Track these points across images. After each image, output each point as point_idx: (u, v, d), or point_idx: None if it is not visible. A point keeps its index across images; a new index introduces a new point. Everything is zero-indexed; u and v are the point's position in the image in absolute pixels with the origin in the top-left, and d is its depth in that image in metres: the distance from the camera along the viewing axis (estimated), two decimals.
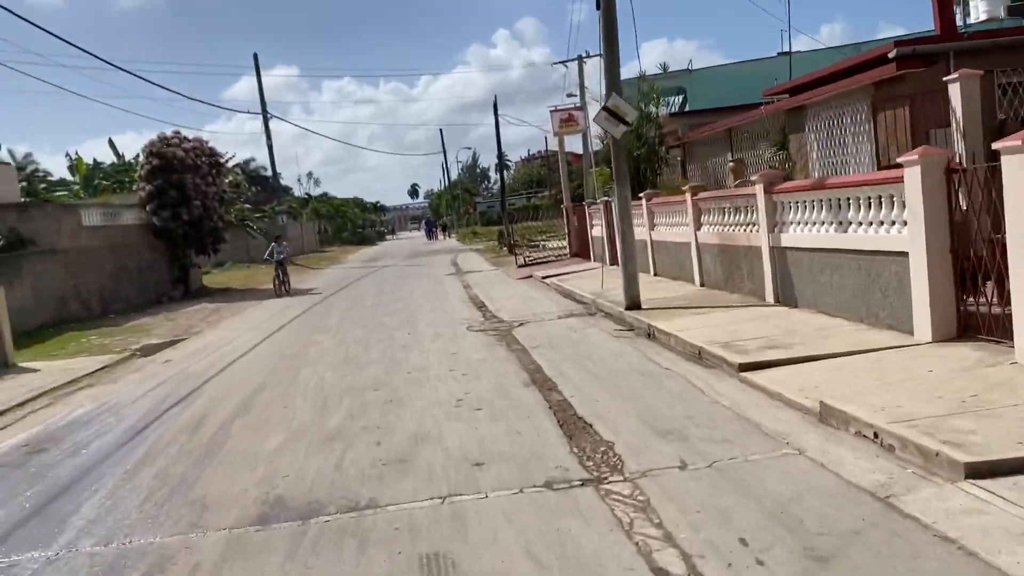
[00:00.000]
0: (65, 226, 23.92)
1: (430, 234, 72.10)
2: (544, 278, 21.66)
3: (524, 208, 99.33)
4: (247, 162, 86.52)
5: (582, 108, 24.60)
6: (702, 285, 14.54)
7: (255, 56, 43.44)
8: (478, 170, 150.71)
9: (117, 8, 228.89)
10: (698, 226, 14.47)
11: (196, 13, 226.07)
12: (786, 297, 11.39)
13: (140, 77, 66.98)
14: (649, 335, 11.32)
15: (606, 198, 22.04)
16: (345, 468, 6.62)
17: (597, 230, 23.07)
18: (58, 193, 43.56)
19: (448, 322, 15.26)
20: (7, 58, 67.59)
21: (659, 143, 22.75)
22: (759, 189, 11.72)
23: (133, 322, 21.60)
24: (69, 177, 48.21)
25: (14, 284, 21.03)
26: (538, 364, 10.08)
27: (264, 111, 43.96)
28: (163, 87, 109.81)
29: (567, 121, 24.46)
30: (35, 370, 14.33)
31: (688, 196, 14.60)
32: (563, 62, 53.95)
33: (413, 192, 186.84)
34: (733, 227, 12.94)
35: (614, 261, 21.17)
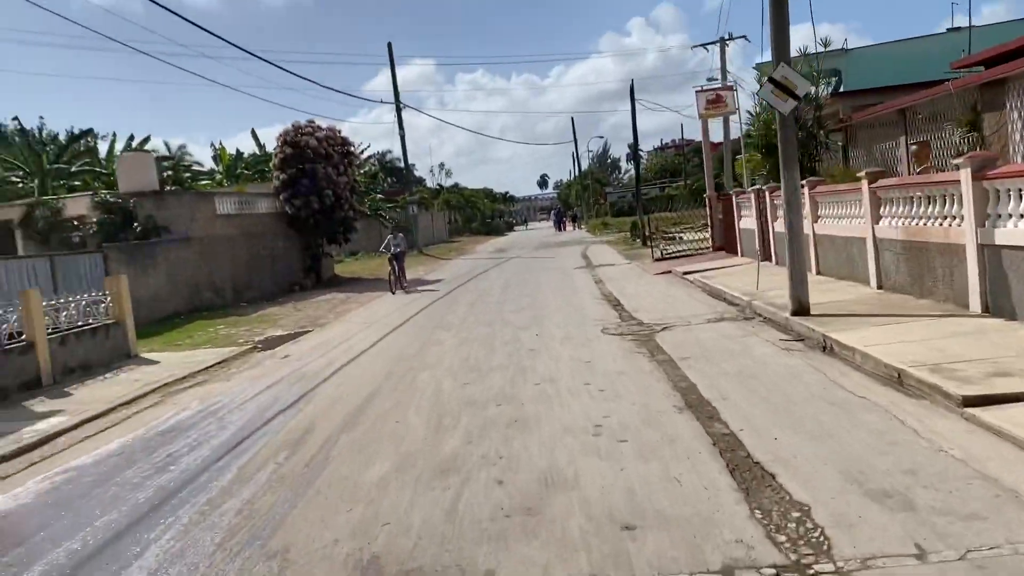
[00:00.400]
0: (199, 214, 24.04)
1: (559, 225, 70.73)
2: (685, 274, 19.83)
3: (657, 198, 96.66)
4: (383, 154, 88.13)
5: (731, 88, 22.53)
6: (879, 287, 12.42)
7: (389, 45, 43.31)
8: (608, 160, 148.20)
9: (265, 6, 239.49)
10: (876, 219, 12.36)
11: (338, 10, 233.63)
12: (999, 307, 9.25)
13: (278, 66, 69.05)
14: (824, 348, 9.47)
15: (757, 186, 19.97)
16: (459, 516, 5.30)
17: (746, 222, 21.00)
18: (202, 182, 45.17)
19: (579, 322, 13.81)
20: (168, 55, 71.41)
21: (818, 127, 20.39)
22: (965, 175, 9.60)
23: (262, 311, 21.35)
24: (216, 168, 50.04)
25: (148, 271, 21.17)
26: (691, 382, 8.47)
27: (397, 101, 43.80)
28: (299, 76, 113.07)
29: (714, 102, 22.44)
30: (155, 362, 13.93)
31: (864, 184, 12.51)
32: (704, 45, 51.37)
33: (542, 183, 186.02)
34: (924, 220, 10.82)
35: (767, 257, 19.11)
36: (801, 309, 11.01)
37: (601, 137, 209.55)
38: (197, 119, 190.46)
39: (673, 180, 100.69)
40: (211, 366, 13.08)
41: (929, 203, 10.75)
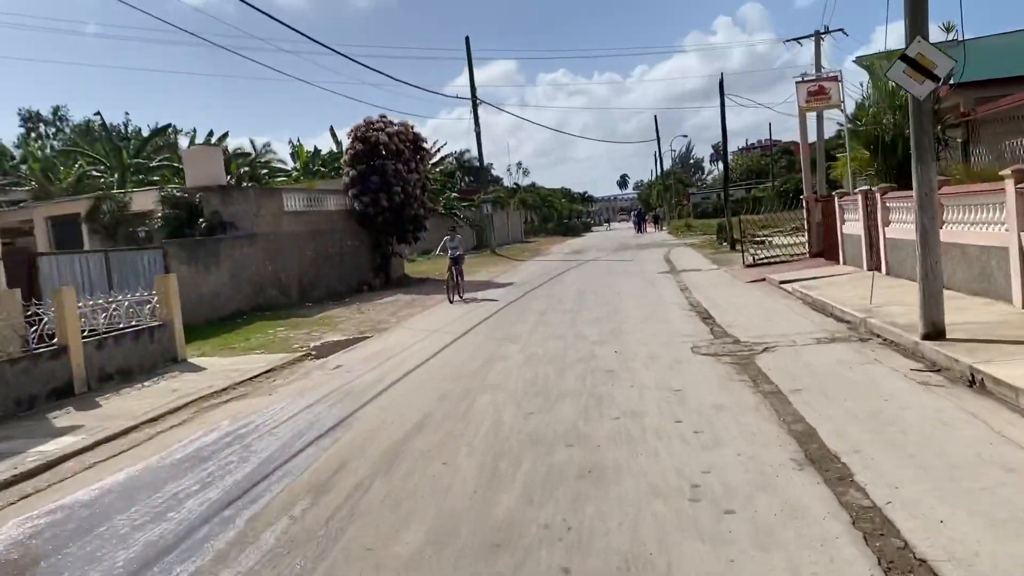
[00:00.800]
0: (266, 210, 23.25)
1: (639, 226, 68.47)
2: (783, 283, 17.91)
3: (743, 200, 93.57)
4: (461, 153, 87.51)
5: (835, 78, 20.39)
6: None
7: (466, 40, 42.17)
8: (692, 160, 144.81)
9: (351, 6, 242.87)
10: None
11: (422, 11, 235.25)
12: None
13: (352, 59, 68.57)
14: (972, 383, 7.65)
15: (865, 187, 17.90)
16: None
17: (851, 226, 18.92)
18: (279, 179, 45.01)
19: (665, 339, 12.18)
20: (251, 49, 72.18)
21: (936, 121, 18.16)
22: None
23: (326, 312, 20.37)
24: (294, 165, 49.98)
25: (211, 268, 20.42)
26: (809, 424, 6.80)
27: (473, 96, 42.63)
28: (375, 70, 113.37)
29: (816, 94, 20.33)
30: (200, 368, 12.92)
31: (1009, 184, 10.52)
32: (798, 39, 48.64)
33: (622, 183, 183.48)
34: None
35: (876, 266, 17.05)
36: (935, 332, 9.14)
37: (685, 136, 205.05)
38: (285, 118, 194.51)
39: (760, 181, 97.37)
40: (257, 375, 11.97)
41: None
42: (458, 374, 10.68)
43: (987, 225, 11.49)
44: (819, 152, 26.62)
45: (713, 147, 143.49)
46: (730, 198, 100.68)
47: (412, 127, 29.33)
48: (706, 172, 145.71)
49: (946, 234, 13.17)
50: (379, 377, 11.00)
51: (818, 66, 48.34)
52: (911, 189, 17.21)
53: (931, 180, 9.15)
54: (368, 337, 15.52)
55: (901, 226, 15.35)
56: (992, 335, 9.08)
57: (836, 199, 19.86)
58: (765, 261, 23.89)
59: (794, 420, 6.98)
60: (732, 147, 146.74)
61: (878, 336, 10.59)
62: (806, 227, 23.82)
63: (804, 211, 23.96)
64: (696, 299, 17.11)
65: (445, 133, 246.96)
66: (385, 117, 28.86)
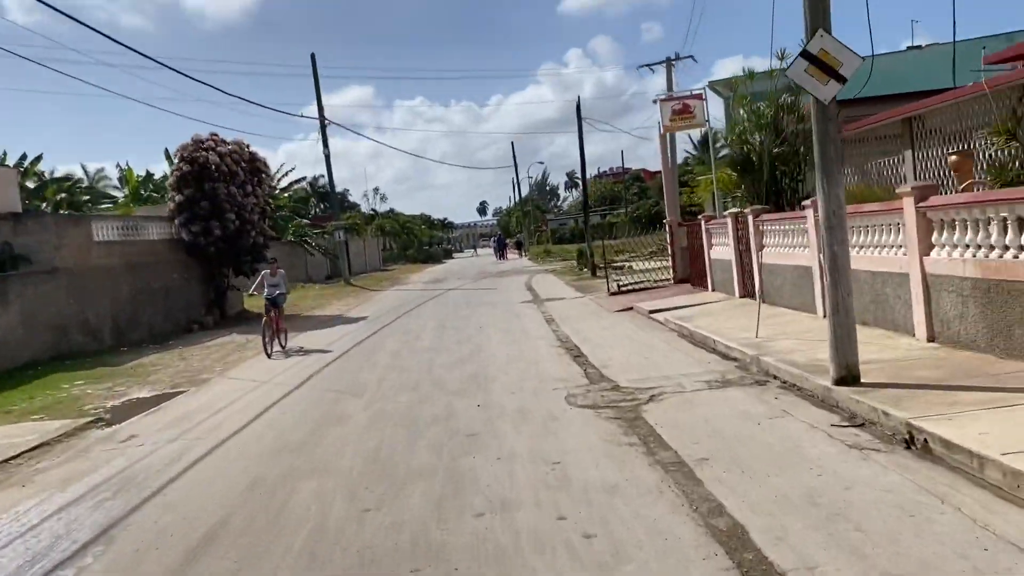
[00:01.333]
0: (70, 240, 19.97)
1: (500, 252, 67.32)
2: (653, 312, 16.66)
3: (599, 225, 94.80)
4: (316, 179, 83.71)
5: (700, 96, 19.61)
6: (931, 340, 9.35)
7: (312, 57, 39.48)
8: (548, 187, 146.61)
9: (198, 29, 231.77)
10: (926, 249, 9.32)
11: (274, 36, 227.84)
12: None
13: (189, 76, 63.24)
14: (910, 443, 6.27)
15: (735, 210, 16.99)
16: None
17: (720, 251, 17.99)
18: (103, 206, 40.63)
19: (535, 385, 10.43)
20: (88, 71, 65.42)
21: (803, 141, 17.56)
22: None
23: (142, 359, 17.43)
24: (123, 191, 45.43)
25: None
26: (732, 518, 5.13)
27: (321, 116, 40.01)
28: (213, 86, 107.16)
29: (681, 113, 19.48)
30: None
31: (908, 203, 9.47)
32: (650, 65, 49.30)
33: (482, 209, 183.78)
34: (1016, 252, 7.78)
35: (747, 292, 16.09)
36: (849, 376, 7.80)
37: (541, 163, 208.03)
38: (128, 143, 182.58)
39: (614, 207, 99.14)
40: (19, 455, 9.26)
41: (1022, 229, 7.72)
42: (281, 446, 8.46)
43: (883, 249, 10.45)
44: (672, 176, 25.95)
45: (568, 174, 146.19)
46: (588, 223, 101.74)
47: (248, 146, 26.64)
48: (562, 199, 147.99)
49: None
50: (178, 453, 8.61)
51: (669, 90, 49.10)
52: (782, 211, 16.56)
53: (839, 197, 7.85)
54: (182, 392, 12.94)
55: (777, 251, 14.39)
56: (910, 377, 7.83)
57: (703, 223, 18.96)
58: (630, 288, 22.81)
59: (712, 511, 5.30)
60: (586, 174, 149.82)
61: (776, 378, 9.24)
62: (670, 252, 22.97)
63: (667, 235, 23.10)
64: (564, 332, 15.56)
65: (300, 159, 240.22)
66: (216, 135, 26.02)
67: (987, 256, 8.20)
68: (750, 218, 15.38)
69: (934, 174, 14.30)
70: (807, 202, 12.56)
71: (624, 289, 22.82)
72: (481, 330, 17.41)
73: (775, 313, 13.62)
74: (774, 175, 17.54)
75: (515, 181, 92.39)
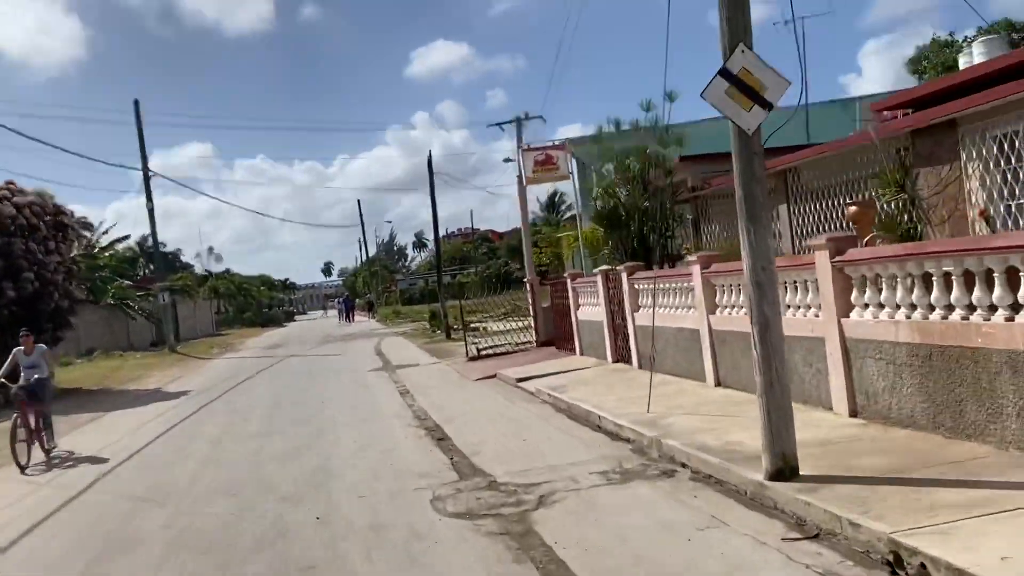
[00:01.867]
0: None
1: (347, 314, 63.96)
2: (521, 381, 14.97)
3: (450, 285, 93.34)
4: (145, 238, 77.69)
5: (563, 147, 18.47)
6: (855, 415, 8.09)
7: (136, 104, 36.08)
8: (395, 248, 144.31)
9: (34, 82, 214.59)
10: (845, 309, 8.13)
11: (113, 90, 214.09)
12: None
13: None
14: (895, 566, 4.77)
15: (605, 267, 15.72)
16: None
17: (589, 312, 16.64)
18: None
19: (392, 484, 8.36)
20: None
21: (671, 197, 16.68)
22: None
23: None
24: None
25: None
26: None
27: (144, 166, 36.35)
28: (25, 135, 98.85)
29: (544, 163, 18.23)
30: None
31: (822, 256, 8.28)
32: (500, 124, 49.12)
33: (327, 270, 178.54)
34: (961, 312, 6.62)
35: (622, 357, 14.76)
36: (786, 468, 6.29)
37: (389, 222, 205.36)
38: None
39: (463, 267, 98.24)
40: None
41: (967, 286, 6.56)
42: None
43: (787, 309, 9.20)
44: (529, 232, 24.79)
45: (416, 235, 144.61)
46: (434, 284, 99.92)
47: (53, 197, 23.18)
48: (410, 259, 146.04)
49: (721, 321, 10.97)
50: None
51: (520, 152, 48.76)
52: (650, 269, 15.42)
53: (768, 248, 6.42)
54: None
55: (658, 311, 13.11)
56: (855, 467, 6.43)
57: (569, 281, 17.61)
58: (490, 352, 21.10)
59: None
60: (432, 234, 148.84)
61: (686, 466, 7.65)
62: (532, 313, 21.52)
63: (528, 295, 21.68)
64: (422, 407, 13.56)
65: (131, 218, 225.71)
66: (13, 183, 22.44)
67: (927, 318, 7.02)
68: (624, 276, 14.09)
69: (814, 229, 13.59)
70: (692, 258, 11.33)
71: (484, 353, 21.07)
72: (324, 407, 15.07)
73: (659, 381, 12.21)
74: (643, 231, 16.49)
75: (362, 240, 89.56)
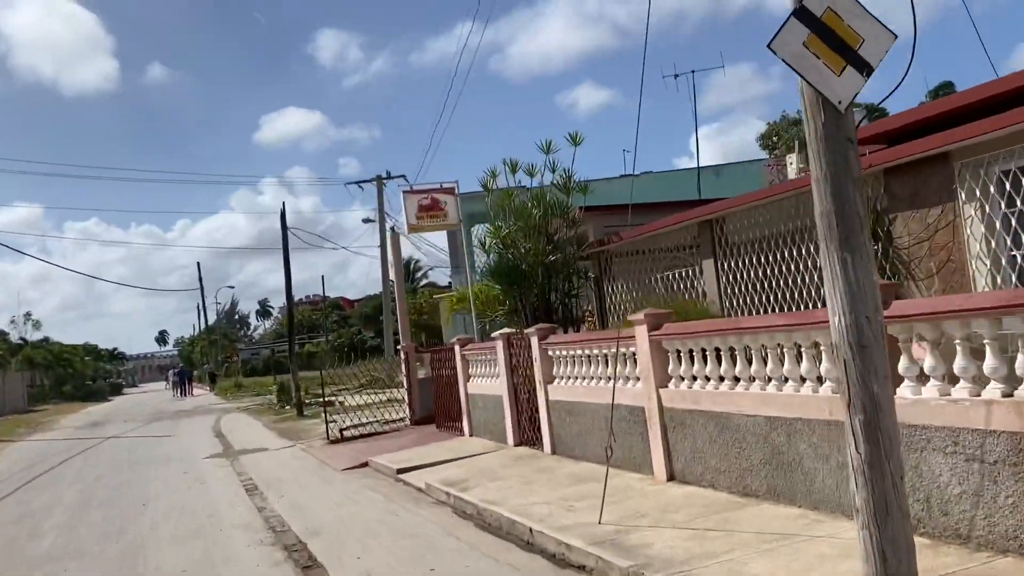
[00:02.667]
0: None
1: (183, 387, 57.78)
2: (403, 472, 12.06)
3: (297, 355, 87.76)
4: None
5: (452, 190, 15.84)
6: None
7: None
8: (236, 316, 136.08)
9: None
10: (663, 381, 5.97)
11: None
12: None
13: None
14: None
15: (506, 330, 13.19)
16: None
17: (484, 384, 14.00)
18: None
19: None
20: None
21: (575, 251, 14.53)
22: None
23: None
24: None
25: None
26: None
27: None
28: None
29: (430, 209, 15.55)
30: None
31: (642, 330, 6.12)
32: (359, 183, 46.38)
33: (161, 339, 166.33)
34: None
35: (528, 439, 12.21)
36: None
37: (231, 287, 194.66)
38: None
39: (312, 336, 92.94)
40: None
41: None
42: None
43: (778, 384, 7.00)
44: (399, 291, 22.00)
45: (260, 303, 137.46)
46: (279, 353, 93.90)
47: None
48: (252, 328, 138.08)
49: (691, 399, 8.67)
50: None
51: (382, 211, 45.92)
52: (556, 332, 13.09)
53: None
54: None
55: (577, 384, 10.70)
56: None
57: (458, 348, 14.92)
58: (356, 433, 17.93)
59: None
60: (279, 303, 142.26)
61: None
62: (406, 386, 18.60)
63: (402, 365, 18.78)
64: (277, 512, 10.40)
65: None
66: None
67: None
68: (534, 340, 11.61)
69: (744, 288, 11.71)
70: (637, 315, 9.02)
71: (348, 435, 17.88)
72: (145, 510, 11.55)
73: (584, 473, 9.73)
74: (546, 289, 14.18)
75: (201, 306, 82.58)
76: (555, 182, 14.55)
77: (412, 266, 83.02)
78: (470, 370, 14.64)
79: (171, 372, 67.88)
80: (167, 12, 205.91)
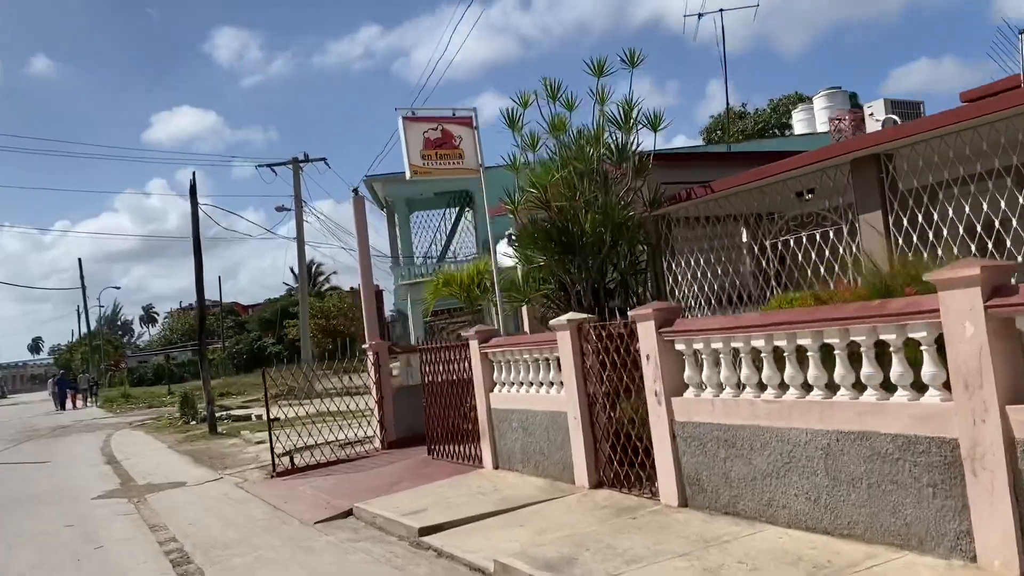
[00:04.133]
0: None
1: (62, 400, 49.98)
2: (427, 533, 7.71)
3: (191, 363, 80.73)
4: None
5: (469, 121, 11.33)
6: None
7: None
8: (119, 322, 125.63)
9: None
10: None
11: None
12: None
13: None
14: None
15: (576, 315, 8.89)
16: None
17: (522, 394, 9.70)
18: None
19: None
20: None
21: (647, 208, 10.50)
22: None
23: None
24: None
25: None
26: None
27: None
28: None
29: (441, 144, 10.99)
30: None
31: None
32: (271, 165, 41.23)
33: (35, 347, 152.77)
34: None
35: (618, 479, 8.04)
36: None
37: (117, 287, 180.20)
38: None
39: (208, 342, 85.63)
40: None
41: None
42: None
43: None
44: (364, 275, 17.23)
45: (144, 308, 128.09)
46: (173, 362, 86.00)
47: None
48: (137, 335, 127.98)
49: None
50: None
51: (298, 196, 40.77)
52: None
53: None
54: None
55: (744, 398, 6.62)
56: None
57: (475, 344, 10.52)
58: (312, 461, 13.24)
59: None
60: (163, 309, 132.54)
61: None
62: (376, 396, 14.05)
63: (371, 369, 14.20)
64: None
65: None
66: None
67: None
68: (647, 328, 7.41)
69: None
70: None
71: (296, 464, 13.16)
72: None
73: (796, 549, 5.67)
74: (608, 261, 10.05)
75: (82, 307, 73.73)
76: (609, 114, 10.42)
77: (314, 270, 77.33)
78: (497, 375, 10.30)
79: (51, 380, 59.48)
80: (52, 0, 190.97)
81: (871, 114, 13.44)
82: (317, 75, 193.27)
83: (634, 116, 10.37)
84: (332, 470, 12.71)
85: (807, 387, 6.10)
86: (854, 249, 8.91)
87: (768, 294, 9.88)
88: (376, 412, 14.04)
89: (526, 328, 13.69)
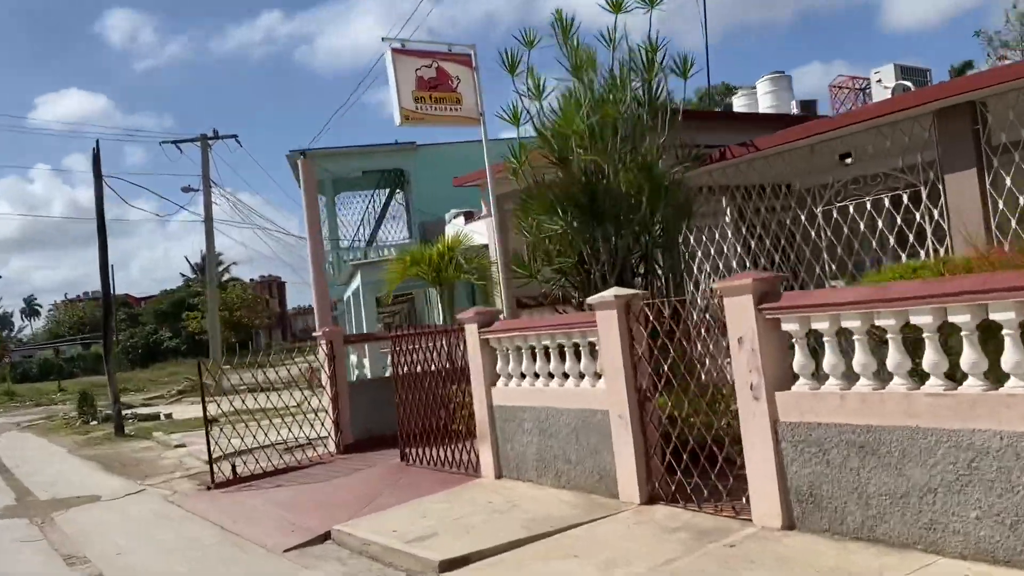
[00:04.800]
0: None
1: None
2: (451, 568, 5.96)
3: (80, 357, 75.32)
4: None
5: (468, 60, 9.32)
6: None
7: None
8: None
9: None
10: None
11: None
12: None
13: None
14: None
15: (624, 290, 7.23)
16: None
17: (538, 389, 7.97)
18: None
19: None
20: None
21: (683, 165, 9.00)
22: None
23: None
24: None
25: None
26: None
27: None
28: None
29: (435, 86, 8.88)
30: None
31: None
32: (176, 142, 38.44)
33: None
34: None
35: (682, 494, 6.43)
36: None
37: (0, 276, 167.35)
38: None
39: (96, 337, 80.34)
40: None
41: None
42: None
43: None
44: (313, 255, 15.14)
45: (26, 300, 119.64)
46: (62, 356, 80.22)
47: None
48: (16, 329, 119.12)
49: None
50: None
51: (206, 174, 37.88)
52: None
53: None
54: None
55: (883, 391, 5.15)
56: None
57: (474, 328, 8.74)
58: (259, 471, 11.16)
59: None
60: (47, 301, 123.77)
61: None
62: (331, 393, 12.07)
63: (324, 361, 12.18)
64: None
65: None
66: None
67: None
68: (740, 304, 5.87)
69: None
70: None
71: (240, 473, 11.06)
72: None
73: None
74: (641, 229, 8.46)
75: None
76: (633, 57, 8.83)
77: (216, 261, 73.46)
78: (501, 366, 8.56)
79: None
80: None
81: (879, 80, 12.36)
82: (216, 61, 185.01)
83: (659, 60, 8.81)
84: (282, 479, 10.73)
85: (992, 377, 4.67)
86: (935, 214, 7.60)
87: (819, 269, 8.49)
88: (330, 411, 12.07)
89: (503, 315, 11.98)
